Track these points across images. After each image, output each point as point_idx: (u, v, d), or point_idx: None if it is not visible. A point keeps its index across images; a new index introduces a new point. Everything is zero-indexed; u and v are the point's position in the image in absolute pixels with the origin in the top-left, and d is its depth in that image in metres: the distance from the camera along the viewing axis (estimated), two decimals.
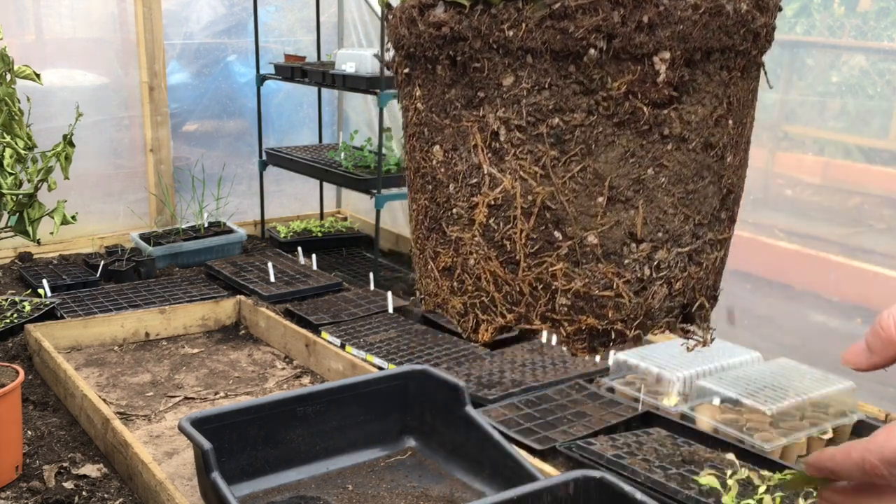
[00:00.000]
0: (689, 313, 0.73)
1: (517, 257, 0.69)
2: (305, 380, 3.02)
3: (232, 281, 3.83)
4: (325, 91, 4.91)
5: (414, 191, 0.76)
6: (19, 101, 2.25)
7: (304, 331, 3.15)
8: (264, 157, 4.59)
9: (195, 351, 3.25)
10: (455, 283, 0.72)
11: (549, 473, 2.17)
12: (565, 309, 0.70)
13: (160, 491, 2.05)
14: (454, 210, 0.71)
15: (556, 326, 0.70)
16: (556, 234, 0.68)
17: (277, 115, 5.06)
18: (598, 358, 3.11)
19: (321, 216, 4.99)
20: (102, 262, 3.87)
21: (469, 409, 2.26)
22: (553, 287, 0.69)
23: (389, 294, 3.63)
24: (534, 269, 0.69)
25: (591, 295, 0.69)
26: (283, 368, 3.11)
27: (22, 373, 2.28)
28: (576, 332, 0.70)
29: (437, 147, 0.72)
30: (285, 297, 3.65)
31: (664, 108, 0.65)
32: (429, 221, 0.74)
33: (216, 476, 1.90)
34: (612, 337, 0.70)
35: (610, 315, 0.69)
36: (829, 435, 2.56)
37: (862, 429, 2.63)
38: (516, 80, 0.66)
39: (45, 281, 3.61)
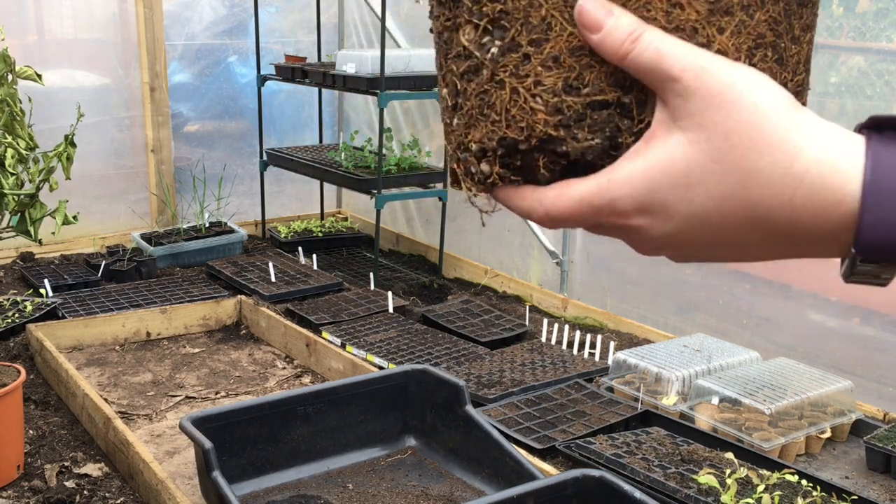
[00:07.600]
0: None
1: None
2: (306, 379, 3.03)
3: (233, 281, 3.84)
4: (325, 91, 4.91)
5: None
6: (21, 102, 2.26)
7: (304, 330, 3.16)
8: (265, 158, 4.60)
9: (196, 350, 3.26)
10: None
11: (548, 472, 2.18)
12: None
13: (161, 490, 2.06)
14: None
15: None
16: None
17: (278, 116, 5.07)
18: (597, 357, 3.12)
19: (322, 216, 5.00)
20: (104, 262, 3.88)
21: (469, 408, 2.27)
22: None
23: (390, 294, 3.64)
24: None
25: None
26: (284, 368, 3.12)
27: (23, 372, 2.29)
28: None
29: None
30: (286, 297, 3.66)
31: None
32: None
33: (217, 475, 1.91)
34: None
35: None
36: (828, 434, 2.57)
37: (860, 428, 2.64)
38: None
39: (46, 281, 3.62)
